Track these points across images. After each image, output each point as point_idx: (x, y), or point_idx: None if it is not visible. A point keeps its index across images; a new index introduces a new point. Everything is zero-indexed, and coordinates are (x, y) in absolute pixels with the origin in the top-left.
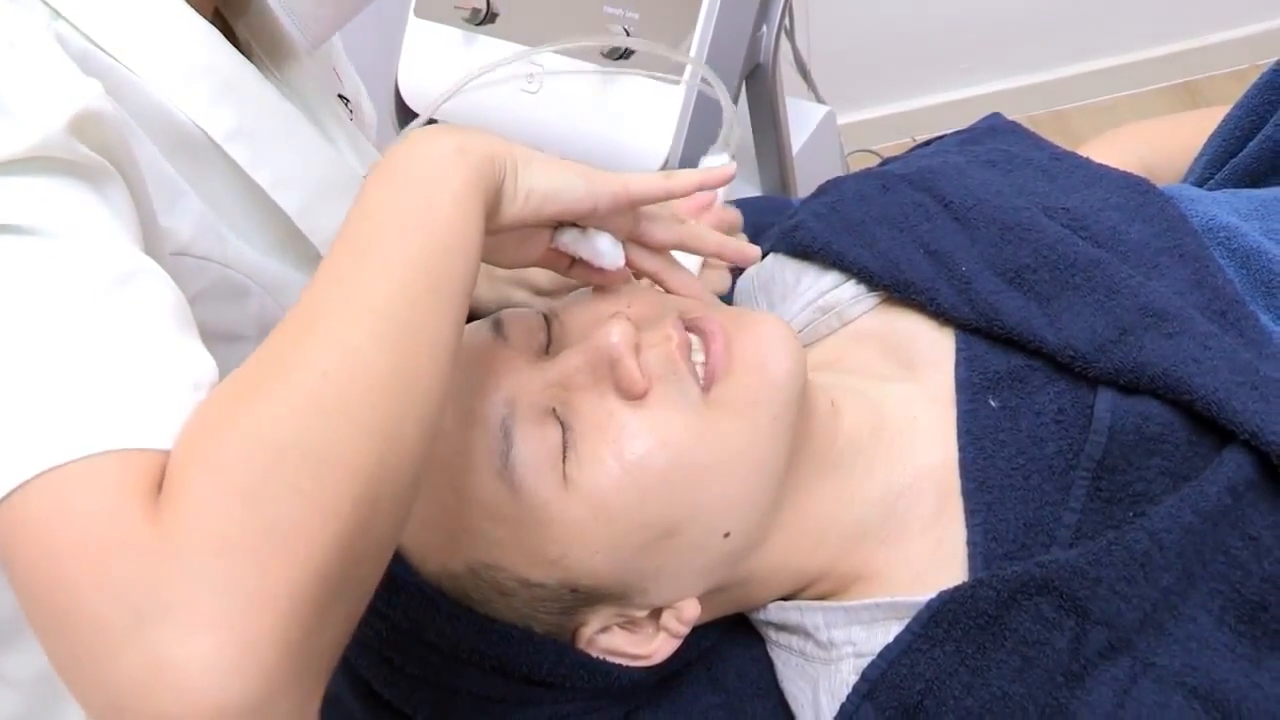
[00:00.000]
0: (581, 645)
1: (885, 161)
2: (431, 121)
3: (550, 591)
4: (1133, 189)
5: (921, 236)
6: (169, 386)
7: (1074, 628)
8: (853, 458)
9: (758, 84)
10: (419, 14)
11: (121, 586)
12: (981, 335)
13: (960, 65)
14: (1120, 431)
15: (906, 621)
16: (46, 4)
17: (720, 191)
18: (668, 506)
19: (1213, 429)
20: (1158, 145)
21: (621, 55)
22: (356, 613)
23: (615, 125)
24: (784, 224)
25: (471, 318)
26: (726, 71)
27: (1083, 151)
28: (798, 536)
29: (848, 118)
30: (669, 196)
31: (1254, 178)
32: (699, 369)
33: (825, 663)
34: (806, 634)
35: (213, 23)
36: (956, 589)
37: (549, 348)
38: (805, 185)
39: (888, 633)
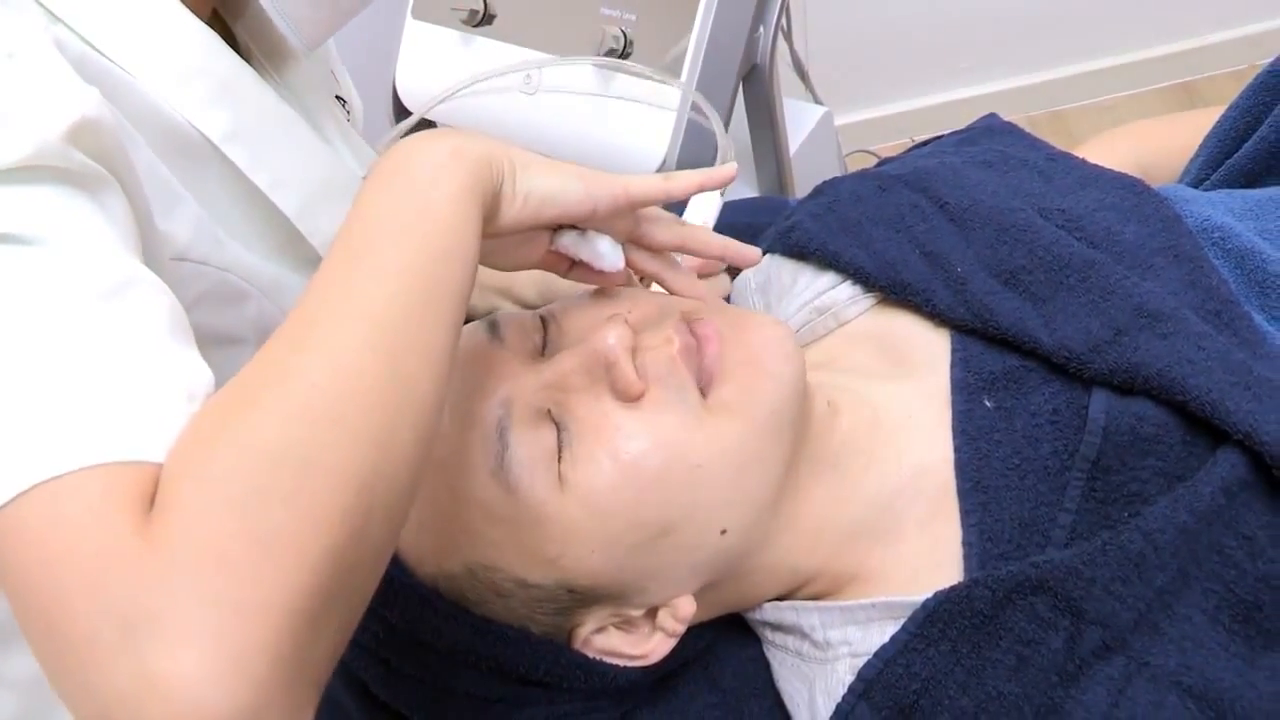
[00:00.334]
0: (578, 646)
1: (882, 162)
2: (428, 124)
3: (547, 592)
4: (1128, 189)
5: (917, 237)
6: (163, 398)
7: (1069, 627)
8: (849, 457)
9: (755, 84)
10: (416, 15)
11: (110, 598)
12: (977, 336)
13: (958, 65)
14: (1115, 432)
15: (902, 621)
16: (43, 7)
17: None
18: (664, 506)
19: (1207, 429)
20: (1154, 146)
21: (621, 56)
22: (352, 621)
23: (612, 127)
24: (781, 224)
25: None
26: (723, 72)
27: (1079, 152)
28: (794, 535)
29: (845, 118)
30: (669, 198)
31: (1249, 178)
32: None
33: (821, 662)
34: (802, 634)
35: (211, 25)
36: (952, 589)
37: (544, 350)
38: (802, 186)
39: (883, 632)
